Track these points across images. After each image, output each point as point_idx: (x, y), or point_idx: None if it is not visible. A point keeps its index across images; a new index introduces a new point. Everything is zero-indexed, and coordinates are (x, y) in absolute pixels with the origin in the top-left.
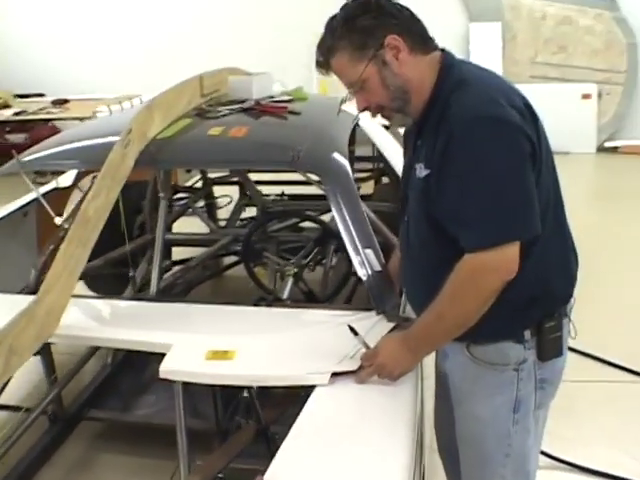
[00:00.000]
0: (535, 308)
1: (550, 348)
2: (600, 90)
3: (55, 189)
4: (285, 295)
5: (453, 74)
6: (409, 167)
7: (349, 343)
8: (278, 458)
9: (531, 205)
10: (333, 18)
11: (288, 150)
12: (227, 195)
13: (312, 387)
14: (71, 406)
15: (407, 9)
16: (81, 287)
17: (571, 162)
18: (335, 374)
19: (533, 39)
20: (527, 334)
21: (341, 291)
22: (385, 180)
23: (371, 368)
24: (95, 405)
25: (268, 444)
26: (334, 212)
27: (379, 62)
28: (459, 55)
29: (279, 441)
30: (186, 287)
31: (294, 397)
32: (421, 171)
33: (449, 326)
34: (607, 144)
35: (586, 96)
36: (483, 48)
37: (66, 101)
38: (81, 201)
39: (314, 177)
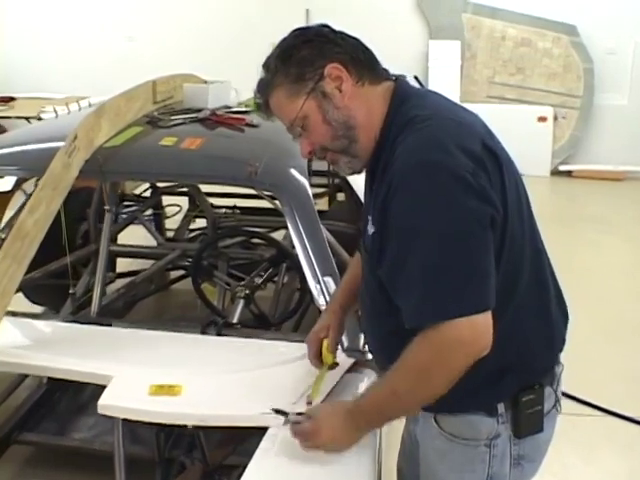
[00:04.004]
0: (509, 380)
1: (527, 423)
2: (556, 113)
3: None
4: (235, 319)
5: (406, 108)
6: (365, 217)
7: (305, 380)
8: None
9: (480, 275)
10: (270, 55)
11: (245, 165)
12: (176, 204)
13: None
14: (1, 429)
15: (354, 38)
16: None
17: (525, 185)
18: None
19: (492, 59)
20: (501, 407)
21: (294, 316)
22: (340, 197)
23: (310, 446)
24: (28, 428)
25: None
26: (292, 235)
27: (319, 95)
28: (418, 72)
29: None
30: (130, 302)
31: (241, 436)
32: (370, 227)
33: (405, 404)
34: (561, 168)
35: (542, 119)
36: (442, 66)
37: (12, 99)
38: (18, 211)
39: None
